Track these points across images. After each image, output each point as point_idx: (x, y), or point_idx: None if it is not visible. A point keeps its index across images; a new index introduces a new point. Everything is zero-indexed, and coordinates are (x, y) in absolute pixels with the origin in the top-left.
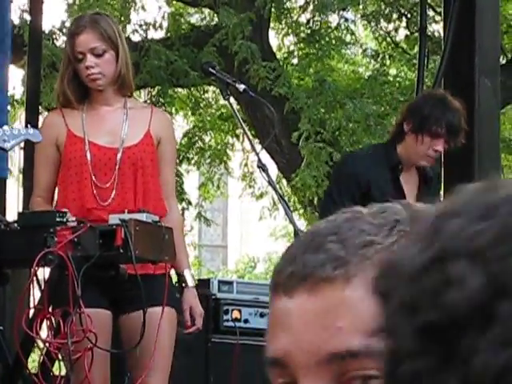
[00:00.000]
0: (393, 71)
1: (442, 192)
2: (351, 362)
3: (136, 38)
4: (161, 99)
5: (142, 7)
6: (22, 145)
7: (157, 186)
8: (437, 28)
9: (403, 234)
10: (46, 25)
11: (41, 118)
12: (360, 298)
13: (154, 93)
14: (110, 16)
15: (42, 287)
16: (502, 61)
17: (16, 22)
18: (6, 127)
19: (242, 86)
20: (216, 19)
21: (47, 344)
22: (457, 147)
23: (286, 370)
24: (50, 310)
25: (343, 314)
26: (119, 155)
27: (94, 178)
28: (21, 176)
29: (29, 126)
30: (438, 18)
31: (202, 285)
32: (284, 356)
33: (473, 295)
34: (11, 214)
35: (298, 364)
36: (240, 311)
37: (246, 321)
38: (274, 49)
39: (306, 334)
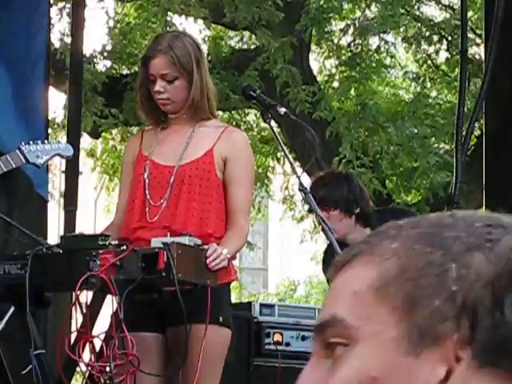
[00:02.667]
0: (433, 94)
1: None
2: (326, 331)
3: None
4: None
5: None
6: (64, 168)
7: (208, 205)
8: (477, 51)
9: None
10: (87, 49)
11: (82, 142)
12: (349, 275)
13: None
14: (191, 38)
15: (84, 311)
16: None
17: (57, 45)
18: (38, 142)
19: (282, 109)
20: (256, 42)
21: (89, 367)
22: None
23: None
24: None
25: (337, 290)
26: (174, 173)
27: (148, 195)
28: (62, 199)
29: (60, 140)
30: (478, 40)
31: (244, 308)
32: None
33: None
34: (52, 238)
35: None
36: (282, 334)
37: (287, 344)
38: (315, 72)
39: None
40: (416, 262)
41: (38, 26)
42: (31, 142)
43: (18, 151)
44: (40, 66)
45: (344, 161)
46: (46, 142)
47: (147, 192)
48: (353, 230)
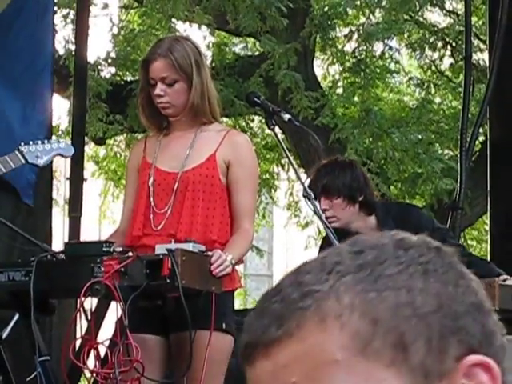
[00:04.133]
0: (437, 100)
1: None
2: None
3: None
4: None
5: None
6: (68, 175)
7: (213, 211)
8: (482, 56)
9: (342, 273)
10: (91, 55)
11: (86, 149)
12: (308, 348)
13: None
14: (192, 42)
15: (89, 317)
16: None
17: (61, 52)
18: (38, 143)
19: (287, 116)
20: (260, 48)
21: (94, 374)
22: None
23: None
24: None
25: (296, 368)
26: (177, 179)
27: (152, 203)
28: (66, 206)
29: (60, 139)
30: (482, 46)
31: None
32: None
33: None
34: (57, 245)
35: None
36: None
37: None
38: (319, 78)
39: None
40: (383, 310)
41: (43, 37)
42: (31, 142)
43: (17, 152)
44: (46, 76)
45: None
46: (45, 141)
47: (152, 199)
48: (356, 218)
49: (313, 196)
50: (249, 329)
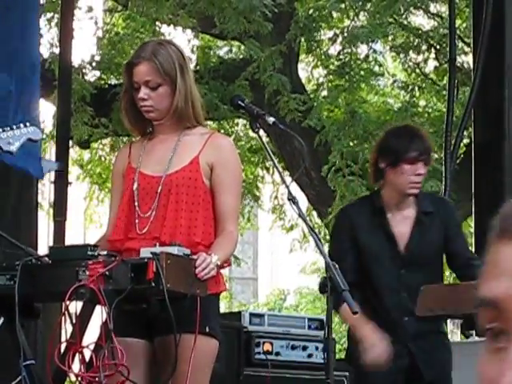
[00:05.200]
0: (422, 102)
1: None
2: None
3: None
4: None
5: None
6: (53, 178)
7: (196, 214)
8: (466, 59)
9: None
10: (76, 59)
11: (71, 152)
12: None
13: None
14: (175, 46)
15: (74, 321)
16: None
17: (46, 56)
18: (7, 129)
19: (271, 119)
20: (245, 52)
21: (79, 378)
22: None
23: (501, 315)
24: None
25: None
26: (161, 183)
27: (137, 207)
28: (51, 210)
29: (27, 123)
30: (467, 49)
31: (234, 317)
32: (503, 301)
33: None
34: (42, 248)
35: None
36: (271, 344)
37: (277, 353)
38: (303, 81)
39: None
40: None
41: (31, 41)
42: (0, 130)
43: None
44: (35, 80)
45: (334, 169)
46: (14, 127)
47: (136, 204)
48: None
49: (297, 199)
50: None
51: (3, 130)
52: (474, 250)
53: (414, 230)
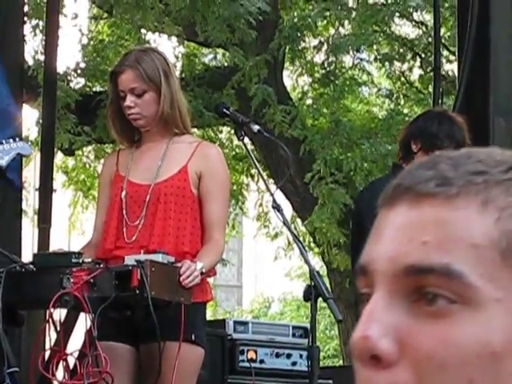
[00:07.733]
0: (406, 111)
1: None
2: (426, 277)
3: None
4: None
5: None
6: (37, 186)
7: (184, 223)
8: (451, 68)
9: None
10: (61, 66)
11: (56, 159)
12: (455, 218)
13: None
14: (159, 52)
15: (58, 328)
16: None
17: (30, 63)
18: None
19: (256, 127)
20: (229, 60)
21: None
22: None
23: (368, 278)
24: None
25: (433, 230)
26: (149, 191)
27: (125, 215)
28: (35, 217)
29: (17, 139)
30: (452, 57)
31: (218, 325)
32: (368, 263)
33: None
34: (26, 256)
35: (376, 271)
36: (256, 351)
37: (261, 361)
38: (288, 89)
39: (392, 242)
40: None
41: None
42: None
43: None
44: (16, 84)
45: (317, 177)
46: (3, 141)
47: (124, 212)
48: None
49: (282, 207)
50: (406, 175)
51: None
52: None
53: None
